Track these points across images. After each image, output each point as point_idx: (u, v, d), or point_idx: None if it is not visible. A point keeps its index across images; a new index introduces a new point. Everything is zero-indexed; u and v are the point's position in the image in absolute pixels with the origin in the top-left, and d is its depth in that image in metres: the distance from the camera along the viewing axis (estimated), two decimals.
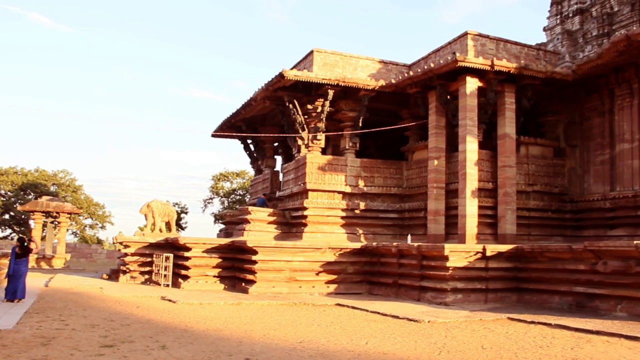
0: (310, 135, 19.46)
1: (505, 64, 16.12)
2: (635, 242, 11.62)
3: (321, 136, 19.48)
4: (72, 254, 33.58)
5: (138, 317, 11.07)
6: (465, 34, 17.80)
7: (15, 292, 12.55)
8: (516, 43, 18.62)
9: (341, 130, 19.90)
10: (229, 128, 25.12)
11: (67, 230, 35.08)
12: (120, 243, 18.68)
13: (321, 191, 18.83)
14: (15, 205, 38.86)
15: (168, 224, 20.49)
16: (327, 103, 18.91)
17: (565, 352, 8.27)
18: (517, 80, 16.89)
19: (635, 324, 10.45)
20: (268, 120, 23.87)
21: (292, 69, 18.72)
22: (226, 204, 46.05)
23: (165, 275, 17.38)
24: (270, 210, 20.00)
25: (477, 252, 14.29)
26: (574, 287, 13.08)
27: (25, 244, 13.17)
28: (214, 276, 17.32)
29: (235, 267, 17.41)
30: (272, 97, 19.73)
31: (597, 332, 9.78)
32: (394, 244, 16.21)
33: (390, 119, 20.32)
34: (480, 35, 17.94)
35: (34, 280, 17.02)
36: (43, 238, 31.40)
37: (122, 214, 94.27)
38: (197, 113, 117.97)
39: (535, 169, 18.06)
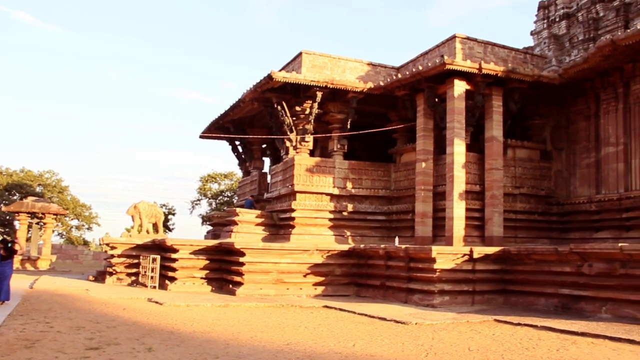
0: (299, 137, 19.45)
1: (493, 68, 16.22)
2: (619, 244, 11.72)
3: (309, 138, 19.48)
4: (58, 256, 33.31)
5: (124, 319, 10.99)
6: (454, 37, 17.89)
7: None
8: (504, 47, 18.75)
9: (329, 132, 19.92)
10: (217, 129, 25.05)
11: (53, 231, 34.86)
12: (107, 244, 18.56)
13: (309, 193, 18.84)
14: None
15: (155, 226, 20.39)
16: (316, 105, 18.92)
17: (550, 354, 8.32)
18: (504, 83, 17.00)
19: (619, 326, 10.53)
20: (256, 122, 23.83)
21: (280, 70, 18.72)
22: (214, 205, 45.93)
23: (152, 277, 17.28)
24: (258, 212, 19.98)
25: (464, 255, 14.35)
26: (559, 289, 13.16)
27: (10, 245, 13.02)
28: (201, 278, 17.26)
29: (223, 268, 17.35)
30: (260, 99, 19.71)
31: (582, 334, 9.85)
32: (382, 246, 16.23)
33: (379, 121, 20.38)
34: (468, 38, 18.04)
35: (18, 282, 16.85)
36: (28, 239, 31.12)
37: (109, 215, 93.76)
38: (186, 114, 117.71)
39: (522, 172, 18.17)
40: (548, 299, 13.50)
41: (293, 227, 18.54)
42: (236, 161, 27.33)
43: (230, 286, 16.58)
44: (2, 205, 37.65)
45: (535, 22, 21.91)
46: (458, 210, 16.39)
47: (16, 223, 32.06)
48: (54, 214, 29.87)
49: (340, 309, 13.45)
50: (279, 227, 19.58)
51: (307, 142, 19.47)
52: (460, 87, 16.56)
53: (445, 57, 15.78)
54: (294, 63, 20.29)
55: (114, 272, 18.43)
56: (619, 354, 8.30)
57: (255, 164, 25.06)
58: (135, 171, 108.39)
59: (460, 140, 16.64)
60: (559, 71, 17.33)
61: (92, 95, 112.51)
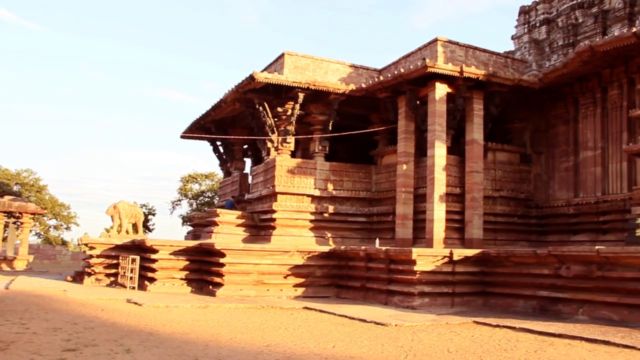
0: (280, 138, 19.42)
1: (474, 71, 16.35)
2: (596, 247, 11.90)
3: (291, 139, 19.45)
4: (35, 256, 32.88)
5: (102, 320, 10.88)
6: (435, 40, 18.00)
7: None
8: (485, 50, 18.91)
9: (311, 134, 19.92)
10: (198, 129, 24.91)
11: (31, 231, 34.39)
12: (86, 244, 18.35)
13: (290, 194, 18.81)
14: None
15: (135, 226, 20.21)
16: (298, 106, 18.90)
17: (528, 355, 8.40)
18: (485, 87, 17.15)
19: (595, 327, 10.67)
20: (238, 123, 23.75)
21: (263, 71, 18.67)
22: (194, 206, 45.64)
23: (131, 278, 17.12)
24: (239, 212, 19.90)
25: (445, 257, 14.42)
26: (538, 291, 13.29)
27: None
28: (181, 279, 17.14)
29: (203, 269, 17.25)
30: (242, 99, 19.64)
31: (560, 335, 9.96)
32: (362, 247, 16.26)
33: (360, 123, 20.44)
34: (450, 42, 18.16)
35: None
36: (5, 239, 30.63)
37: (88, 215, 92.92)
38: (167, 114, 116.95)
39: (502, 175, 18.34)
40: (527, 300, 13.63)
41: (274, 228, 18.50)
42: (217, 162, 27.21)
43: (211, 287, 16.50)
44: None
45: (516, 27, 22.15)
46: (438, 213, 16.48)
47: None
48: (31, 214, 29.45)
49: (321, 311, 13.45)
50: (259, 228, 19.52)
51: (288, 143, 19.44)
52: (441, 90, 16.67)
53: (427, 60, 15.87)
54: (277, 64, 20.27)
55: (93, 272, 18.22)
56: (594, 355, 8.40)
57: (236, 165, 24.97)
58: (115, 171, 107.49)
59: (441, 142, 16.74)
60: (539, 75, 17.53)
61: (73, 95, 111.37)
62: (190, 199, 46.51)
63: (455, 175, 17.41)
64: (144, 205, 44.74)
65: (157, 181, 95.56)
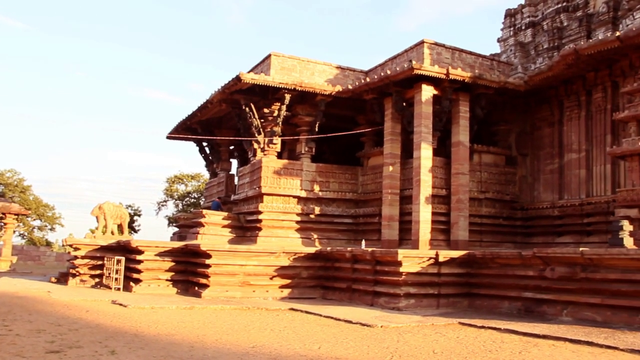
0: (266, 139, 19.39)
1: (460, 73, 16.44)
2: (580, 249, 11.99)
3: (277, 140, 19.43)
4: (19, 257, 32.55)
5: (87, 322, 10.79)
6: (422, 42, 18.08)
7: None
8: (471, 53, 19.03)
9: (297, 135, 19.91)
10: (184, 130, 24.81)
11: (14, 231, 34.02)
12: (70, 245, 18.18)
13: (276, 195, 18.80)
14: None
15: (120, 227, 20.06)
16: (284, 107, 18.89)
17: (513, 356, 8.46)
18: (471, 89, 17.25)
19: (579, 328, 10.76)
20: (224, 123, 23.68)
21: (249, 72, 18.66)
22: (180, 206, 45.46)
23: (116, 279, 17.00)
24: (225, 214, 19.84)
25: (430, 258, 14.48)
26: (523, 293, 13.38)
27: None
28: (167, 280, 17.05)
29: (189, 270, 17.17)
30: (228, 100, 19.59)
31: (544, 337, 10.03)
32: (348, 249, 16.27)
33: (347, 124, 20.46)
34: (436, 44, 18.25)
35: None
36: None
37: (72, 216, 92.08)
38: (153, 114, 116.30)
39: (487, 177, 18.45)
40: (512, 302, 13.71)
41: (260, 229, 18.47)
42: (203, 162, 27.13)
43: (196, 288, 16.42)
44: None
45: (502, 30, 22.31)
46: (424, 214, 16.55)
47: None
48: (15, 214, 29.16)
49: (307, 312, 13.44)
50: (245, 229, 19.48)
51: (275, 144, 19.42)
52: (427, 92, 16.74)
53: (414, 62, 15.94)
54: (263, 65, 20.24)
55: (77, 273, 18.06)
56: (578, 356, 8.47)
57: (222, 166, 24.90)
58: (101, 171, 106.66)
59: (427, 144, 16.81)
60: (524, 78, 17.67)
61: (57, 95, 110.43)
62: (176, 200, 46.33)
63: (441, 177, 17.49)
64: (130, 206, 44.54)
65: (143, 182, 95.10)
